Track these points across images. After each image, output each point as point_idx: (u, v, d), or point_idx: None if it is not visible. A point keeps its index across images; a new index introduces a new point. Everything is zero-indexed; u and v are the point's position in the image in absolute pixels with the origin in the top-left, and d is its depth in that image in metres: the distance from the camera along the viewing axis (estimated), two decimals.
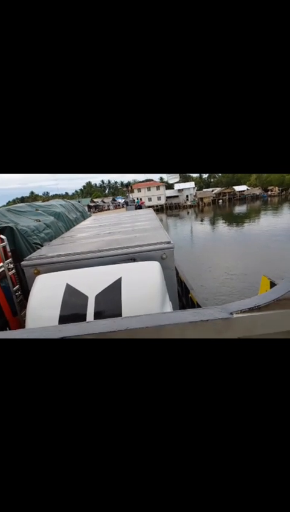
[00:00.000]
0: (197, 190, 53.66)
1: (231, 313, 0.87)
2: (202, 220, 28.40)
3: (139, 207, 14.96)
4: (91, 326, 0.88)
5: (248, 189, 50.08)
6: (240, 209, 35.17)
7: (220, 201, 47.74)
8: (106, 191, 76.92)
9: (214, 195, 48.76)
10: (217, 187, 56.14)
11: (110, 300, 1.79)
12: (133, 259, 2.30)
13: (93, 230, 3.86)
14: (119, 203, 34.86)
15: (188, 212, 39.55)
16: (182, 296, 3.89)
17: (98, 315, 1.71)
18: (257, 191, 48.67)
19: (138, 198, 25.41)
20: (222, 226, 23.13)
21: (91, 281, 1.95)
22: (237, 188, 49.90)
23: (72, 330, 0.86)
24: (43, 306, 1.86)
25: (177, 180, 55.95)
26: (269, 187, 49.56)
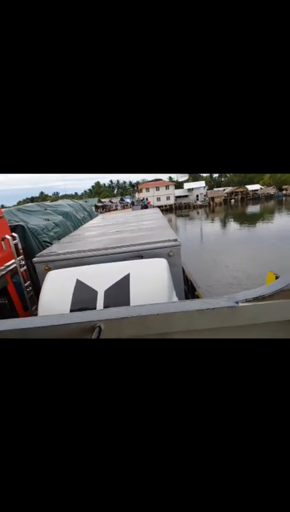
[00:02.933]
0: (207, 189, 52.84)
1: (237, 302, 0.89)
2: (212, 220, 28.00)
3: (145, 207, 14.57)
4: (106, 313, 0.93)
5: (261, 188, 48.77)
6: (253, 208, 34.32)
7: (232, 200, 46.84)
8: (115, 191, 77.52)
9: (226, 195, 47.89)
10: (229, 186, 55.07)
11: (118, 295, 1.82)
12: (141, 257, 2.31)
13: (101, 229, 3.91)
14: (127, 202, 35.00)
15: (198, 212, 39.10)
16: (189, 293, 3.87)
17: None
18: (271, 190, 47.27)
19: (144, 198, 24.97)
20: (233, 226, 22.70)
21: (100, 277, 1.98)
22: (250, 187, 48.71)
23: (89, 316, 0.90)
24: (55, 300, 1.91)
25: (186, 178, 54.93)
26: (284, 186, 48.04)
